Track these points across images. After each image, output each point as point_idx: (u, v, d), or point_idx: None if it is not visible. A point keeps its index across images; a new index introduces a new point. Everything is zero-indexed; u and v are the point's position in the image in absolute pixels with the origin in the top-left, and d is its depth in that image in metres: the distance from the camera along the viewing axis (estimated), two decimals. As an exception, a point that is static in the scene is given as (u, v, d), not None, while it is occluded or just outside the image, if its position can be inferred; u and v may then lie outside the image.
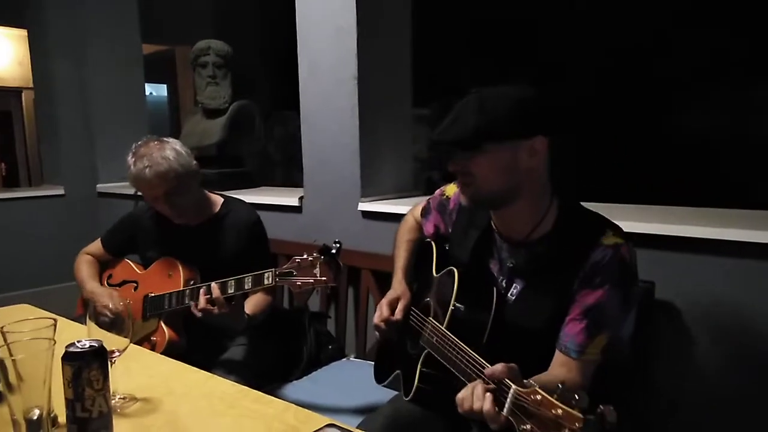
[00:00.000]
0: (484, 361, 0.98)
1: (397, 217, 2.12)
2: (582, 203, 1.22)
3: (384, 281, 2.10)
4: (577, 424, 0.74)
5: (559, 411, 0.77)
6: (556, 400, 0.78)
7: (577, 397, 0.76)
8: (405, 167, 2.51)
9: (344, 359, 2.10)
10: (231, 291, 1.55)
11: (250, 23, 6.08)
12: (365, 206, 2.29)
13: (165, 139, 1.78)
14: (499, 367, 0.90)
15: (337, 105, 2.31)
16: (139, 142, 1.76)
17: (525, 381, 0.87)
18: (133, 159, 1.72)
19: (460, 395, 0.95)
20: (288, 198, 2.59)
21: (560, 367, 1.11)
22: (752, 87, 4.25)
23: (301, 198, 2.54)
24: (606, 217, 1.17)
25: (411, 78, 2.47)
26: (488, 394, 0.89)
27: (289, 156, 5.40)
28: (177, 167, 1.72)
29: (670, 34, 4.52)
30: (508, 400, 0.86)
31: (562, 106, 1.14)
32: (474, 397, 0.92)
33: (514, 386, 0.86)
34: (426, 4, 3.04)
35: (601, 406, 0.73)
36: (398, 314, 1.37)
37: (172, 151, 1.73)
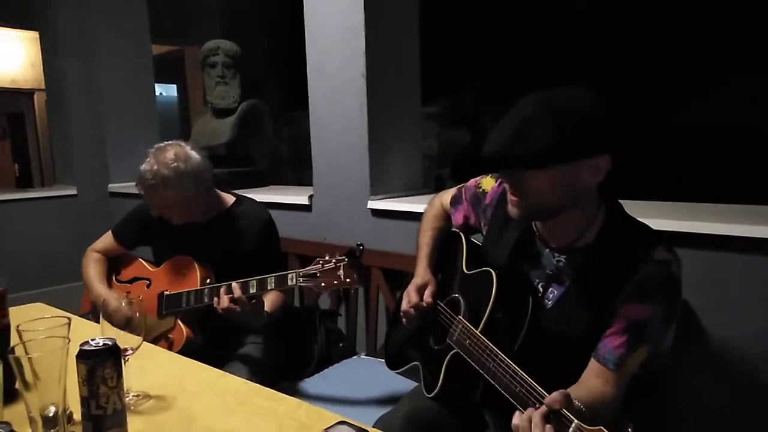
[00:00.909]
0: (534, 383, 0.95)
1: (407, 215, 2.12)
2: (625, 209, 1.18)
3: (394, 279, 2.10)
4: None
5: None
6: None
7: None
8: (414, 165, 2.51)
9: (355, 357, 2.10)
10: (253, 291, 1.56)
11: (259, 23, 6.11)
12: (375, 204, 2.30)
13: (183, 155, 1.71)
14: (557, 396, 0.86)
15: (346, 103, 2.31)
16: (166, 143, 1.74)
17: (577, 406, 0.84)
18: (149, 158, 1.71)
19: (516, 422, 0.90)
20: (298, 197, 2.60)
21: (596, 378, 1.08)
22: (761, 82, 4.21)
23: (310, 196, 2.55)
24: (653, 228, 1.14)
25: (419, 76, 2.47)
26: (549, 426, 0.85)
27: (299, 155, 5.42)
28: (173, 193, 1.69)
29: (676, 29, 4.49)
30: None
31: (625, 119, 1.06)
32: (532, 426, 0.87)
33: (576, 421, 0.82)
34: (433, 2, 3.04)
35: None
36: (428, 299, 1.36)
37: (176, 175, 1.67)
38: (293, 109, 5.52)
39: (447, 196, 1.53)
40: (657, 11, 4.58)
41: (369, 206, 2.31)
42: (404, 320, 1.40)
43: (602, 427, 0.78)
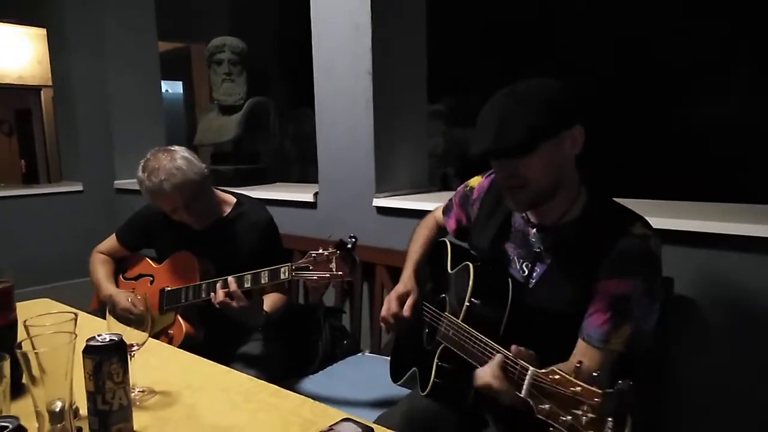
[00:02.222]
0: (503, 350, 0.98)
1: (412, 213, 2.12)
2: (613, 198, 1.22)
3: (399, 277, 2.10)
4: (596, 399, 0.74)
5: (578, 388, 0.77)
6: (575, 378, 0.79)
7: (595, 374, 0.76)
8: (420, 163, 2.51)
9: (359, 354, 2.10)
10: (248, 285, 1.56)
11: (266, 20, 6.11)
12: (380, 202, 2.30)
13: (171, 148, 1.78)
14: (518, 348, 0.94)
15: (352, 101, 2.31)
16: (148, 156, 1.75)
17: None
18: (146, 174, 1.70)
19: (478, 371, 1.00)
20: (303, 194, 2.60)
21: (581, 358, 1.09)
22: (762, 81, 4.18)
23: (316, 194, 2.55)
24: (635, 211, 1.18)
25: (426, 74, 2.47)
26: (501, 372, 0.96)
27: (304, 152, 5.42)
28: (192, 176, 1.71)
29: (683, 25, 4.47)
30: (526, 381, 0.87)
31: (589, 92, 1.14)
32: (490, 373, 0.97)
33: (532, 368, 0.87)
34: (440, 0, 3.03)
35: (620, 381, 0.73)
36: (407, 311, 1.37)
37: (183, 160, 1.72)
38: (299, 107, 5.52)
39: (439, 210, 1.58)
40: (663, 10, 4.56)
41: (374, 204, 2.31)
42: (382, 325, 1.43)
43: (554, 368, 0.83)
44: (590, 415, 0.74)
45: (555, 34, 5.10)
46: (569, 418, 0.77)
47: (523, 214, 1.25)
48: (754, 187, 2.86)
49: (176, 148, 1.78)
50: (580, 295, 1.12)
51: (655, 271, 1.11)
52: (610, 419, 0.71)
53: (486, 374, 0.99)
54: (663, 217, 1.59)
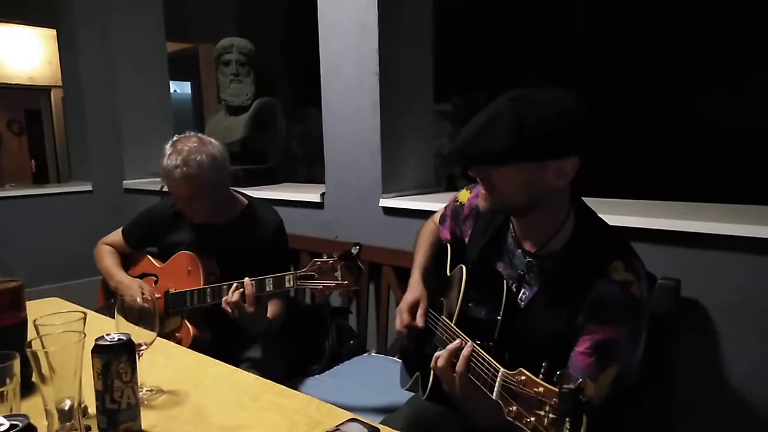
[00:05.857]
0: (491, 359, 0.97)
1: (419, 214, 2.13)
2: (599, 215, 1.17)
3: (405, 277, 2.10)
4: (554, 399, 0.74)
5: (541, 389, 0.78)
6: (540, 378, 0.79)
7: (558, 372, 0.75)
8: (426, 163, 2.51)
9: (365, 354, 2.11)
10: (267, 289, 1.56)
11: (273, 21, 6.13)
12: (386, 202, 2.30)
13: (207, 140, 1.75)
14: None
15: (359, 101, 2.31)
16: (182, 135, 1.75)
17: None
18: (170, 151, 1.70)
19: (454, 347, 1.06)
20: (310, 194, 2.61)
21: None
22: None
23: (322, 194, 2.56)
24: (622, 237, 1.13)
25: (433, 74, 2.47)
26: (443, 356, 1.04)
27: (311, 152, 5.43)
28: (206, 178, 1.69)
29: (692, 26, 4.44)
30: (497, 382, 0.88)
31: (598, 122, 1.02)
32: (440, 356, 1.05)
33: (502, 369, 0.88)
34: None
35: (580, 379, 0.72)
36: (419, 320, 1.33)
37: (209, 157, 1.70)
38: (305, 107, 5.54)
39: (437, 216, 1.56)
40: (678, 4, 4.53)
41: (381, 204, 2.31)
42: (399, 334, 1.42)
43: (521, 369, 0.84)
44: (551, 415, 0.74)
45: (564, 33, 5.08)
46: (533, 419, 0.77)
47: (513, 233, 1.22)
48: (764, 188, 2.84)
49: (213, 141, 1.77)
50: (562, 328, 1.08)
51: (638, 316, 1.06)
52: (567, 419, 0.71)
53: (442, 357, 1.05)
54: (670, 218, 1.59)
